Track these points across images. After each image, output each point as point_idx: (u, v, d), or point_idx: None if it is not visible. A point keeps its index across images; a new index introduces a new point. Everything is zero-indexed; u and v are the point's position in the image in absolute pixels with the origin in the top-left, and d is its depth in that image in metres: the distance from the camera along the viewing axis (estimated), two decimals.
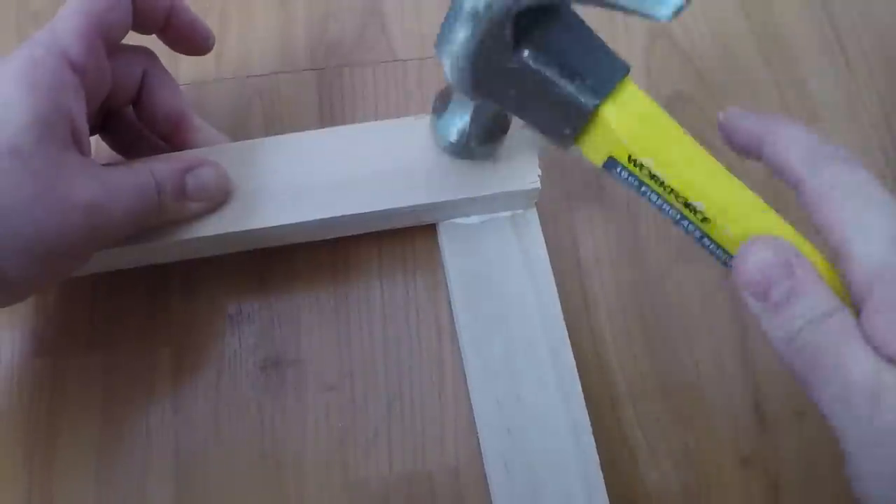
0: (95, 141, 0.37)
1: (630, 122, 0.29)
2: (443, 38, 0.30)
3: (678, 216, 0.29)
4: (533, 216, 0.38)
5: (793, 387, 0.38)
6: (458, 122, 0.35)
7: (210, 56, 0.38)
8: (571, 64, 0.29)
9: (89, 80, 0.32)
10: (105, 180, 0.31)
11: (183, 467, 0.36)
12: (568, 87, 0.29)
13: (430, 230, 0.39)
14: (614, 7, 0.27)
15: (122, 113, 0.38)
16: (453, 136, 0.35)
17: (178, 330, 0.38)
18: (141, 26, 0.35)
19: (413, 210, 0.37)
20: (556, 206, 0.41)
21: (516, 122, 0.36)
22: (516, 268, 0.37)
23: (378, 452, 0.36)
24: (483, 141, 0.35)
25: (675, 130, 0.29)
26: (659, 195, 0.29)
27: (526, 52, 0.29)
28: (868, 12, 0.46)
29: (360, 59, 0.44)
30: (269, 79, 0.43)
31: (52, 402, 0.36)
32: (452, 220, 0.38)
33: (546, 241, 0.38)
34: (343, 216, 0.36)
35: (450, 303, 0.38)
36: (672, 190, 0.29)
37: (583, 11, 0.29)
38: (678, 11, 0.27)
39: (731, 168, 0.29)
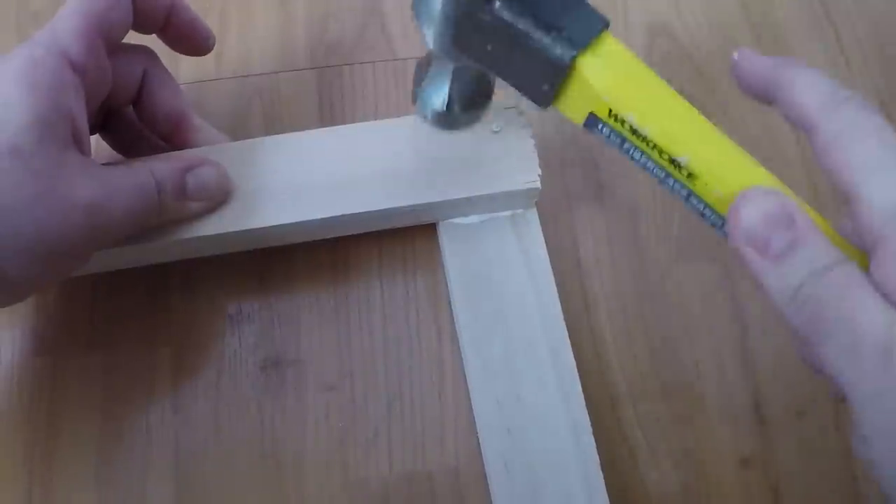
0: (95, 140, 0.37)
1: (609, 75, 0.28)
2: (419, 1, 0.29)
3: (663, 174, 0.28)
4: (533, 216, 0.38)
5: (793, 387, 0.38)
6: (441, 89, 0.34)
7: (210, 56, 0.38)
8: (547, 16, 0.28)
9: (89, 80, 0.32)
10: (105, 180, 0.31)
11: (183, 467, 0.36)
12: (543, 39, 0.28)
13: (430, 230, 0.39)
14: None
15: (122, 112, 0.38)
16: (437, 104, 0.34)
17: (178, 330, 0.38)
18: (141, 26, 0.35)
19: (413, 210, 0.37)
20: (556, 206, 0.41)
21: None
22: (516, 268, 0.37)
23: (378, 452, 0.36)
24: (466, 107, 0.34)
25: (656, 83, 0.28)
26: (643, 152, 0.28)
27: (498, 4, 0.28)
28: (868, 11, 0.46)
29: (360, 59, 0.44)
30: (269, 79, 0.43)
31: (52, 401, 0.36)
32: (452, 220, 0.38)
33: (546, 241, 0.38)
34: (343, 216, 0.36)
35: (450, 303, 0.38)
36: (655, 145, 0.27)
37: None
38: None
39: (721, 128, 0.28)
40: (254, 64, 0.44)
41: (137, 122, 0.37)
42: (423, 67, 0.35)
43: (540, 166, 0.37)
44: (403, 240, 0.39)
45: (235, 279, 0.39)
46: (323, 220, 0.36)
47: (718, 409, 0.38)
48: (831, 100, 0.25)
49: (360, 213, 0.36)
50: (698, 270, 0.40)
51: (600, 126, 0.29)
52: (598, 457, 0.34)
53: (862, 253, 0.24)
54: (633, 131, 0.28)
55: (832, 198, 0.42)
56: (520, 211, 0.38)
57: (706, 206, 0.28)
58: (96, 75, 0.32)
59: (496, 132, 0.37)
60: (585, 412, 0.34)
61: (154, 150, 0.37)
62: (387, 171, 0.37)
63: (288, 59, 0.44)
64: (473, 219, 0.38)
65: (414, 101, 0.35)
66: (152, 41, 0.36)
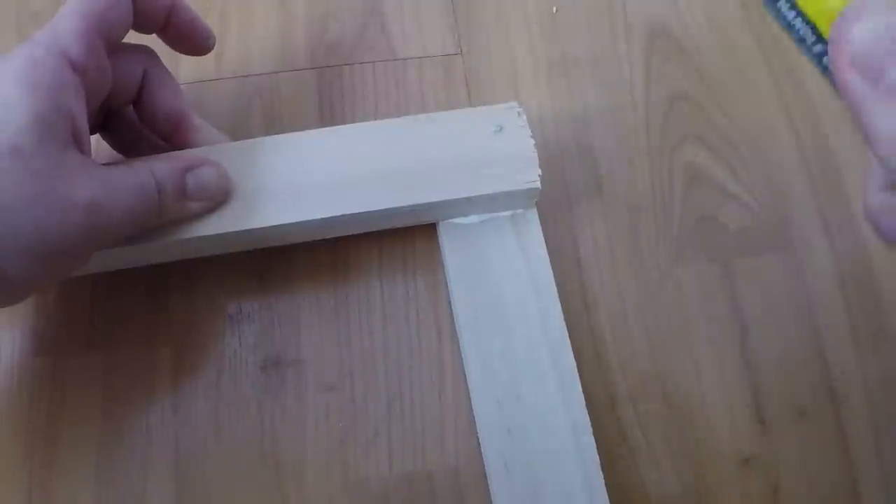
0: (95, 140, 0.37)
1: None
2: None
3: None
4: (533, 216, 0.38)
5: (793, 387, 0.38)
6: None
7: (210, 56, 0.38)
8: None
9: (90, 80, 0.32)
10: (105, 180, 0.31)
11: (183, 467, 0.36)
12: None
13: (430, 230, 0.39)
14: None
15: (122, 112, 0.38)
16: None
17: (178, 330, 0.38)
18: (141, 26, 0.35)
19: (413, 210, 0.37)
20: (556, 206, 0.41)
21: None
22: (516, 267, 0.37)
23: (378, 452, 0.36)
24: None
25: None
26: None
27: None
28: None
29: (360, 59, 0.44)
30: (269, 78, 0.43)
31: (52, 401, 0.36)
32: (452, 220, 0.38)
33: (546, 241, 0.38)
34: (343, 216, 0.36)
35: (450, 303, 0.38)
36: None
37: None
38: None
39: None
40: (254, 64, 0.44)
41: (137, 121, 0.37)
42: None
43: (540, 166, 0.37)
44: (403, 240, 0.39)
45: (235, 279, 0.39)
46: (323, 220, 0.36)
47: (718, 409, 0.38)
48: None
49: (360, 213, 0.36)
50: (698, 270, 0.40)
51: None
52: (598, 457, 0.34)
53: None
54: None
55: (830, 199, 0.42)
56: (520, 211, 0.38)
57: (798, 13, 0.24)
58: (96, 75, 0.32)
59: (496, 132, 0.37)
60: (585, 412, 0.34)
61: (154, 149, 0.37)
62: (387, 171, 0.37)
63: (288, 59, 0.44)
64: (473, 219, 0.38)
65: None
66: (152, 41, 0.36)
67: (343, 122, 0.42)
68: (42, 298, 0.38)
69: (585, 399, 0.35)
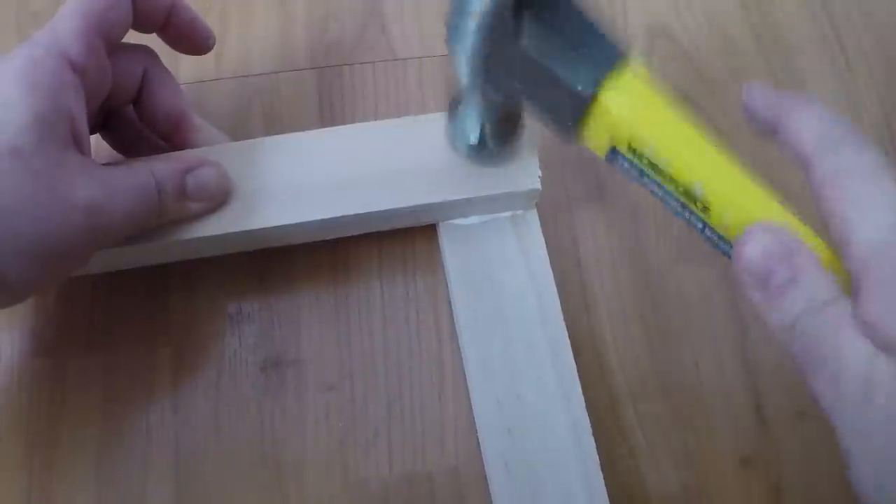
0: (95, 140, 0.37)
1: (625, 109, 0.29)
2: (451, 35, 0.30)
3: (679, 206, 0.29)
4: (533, 216, 0.38)
5: (793, 387, 0.38)
6: (474, 123, 0.35)
7: (210, 56, 0.38)
8: (569, 52, 0.29)
9: (89, 80, 0.32)
10: (105, 181, 0.31)
11: (183, 467, 0.36)
12: (564, 75, 0.29)
13: (430, 230, 0.39)
14: None
15: (122, 112, 0.38)
16: (472, 138, 0.35)
17: (178, 330, 0.38)
18: (141, 25, 0.35)
19: (413, 210, 0.37)
20: (556, 206, 0.41)
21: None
22: (516, 268, 0.37)
23: (378, 453, 0.36)
24: (499, 140, 0.36)
25: (673, 115, 0.29)
26: (659, 184, 0.29)
27: (525, 42, 0.29)
28: (868, 12, 0.46)
29: (360, 59, 0.44)
30: (269, 79, 0.43)
31: (52, 402, 0.36)
32: (452, 221, 0.38)
33: (546, 241, 0.38)
34: (343, 216, 0.36)
35: (450, 303, 0.38)
36: (671, 178, 0.28)
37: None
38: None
39: (739, 156, 0.29)
40: (254, 64, 0.44)
41: (137, 121, 0.37)
42: (455, 105, 0.36)
43: (540, 167, 0.37)
44: (403, 240, 0.39)
45: (235, 279, 0.39)
46: (323, 220, 0.36)
47: (718, 409, 0.38)
48: (825, 137, 0.26)
49: (360, 213, 0.36)
50: (698, 270, 0.40)
51: (620, 159, 0.30)
52: (598, 457, 0.34)
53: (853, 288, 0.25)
54: (651, 164, 0.29)
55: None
56: (520, 212, 0.38)
57: (719, 237, 0.29)
58: (96, 75, 0.32)
59: None
60: (585, 412, 0.34)
61: (154, 149, 0.37)
62: (387, 171, 0.37)
63: (288, 59, 0.44)
64: (473, 219, 0.38)
65: (448, 136, 0.36)
66: (152, 41, 0.36)
67: (343, 122, 0.42)
68: (42, 299, 0.38)
69: (585, 399, 0.35)
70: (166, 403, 0.37)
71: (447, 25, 0.31)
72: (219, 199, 0.35)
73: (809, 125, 0.27)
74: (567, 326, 0.36)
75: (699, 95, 0.44)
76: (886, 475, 0.24)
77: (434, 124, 0.38)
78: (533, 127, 0.38)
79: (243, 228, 0.35)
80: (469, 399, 0.36)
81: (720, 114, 0.43)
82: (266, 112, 0.42)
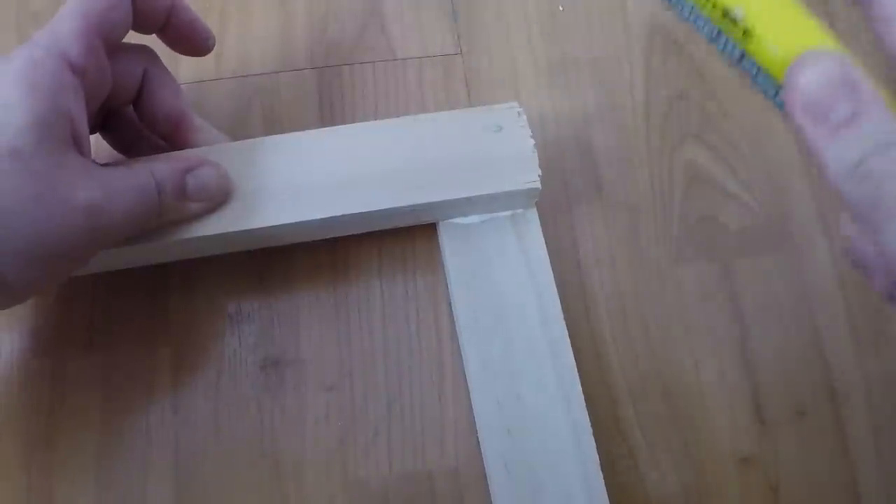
0: (96, 140, 0.37)
1: None
2: None
3: (715, 31, 0.25)
4: (533, 216, 0.38)
5: (793, 387, 0.38)
6: None
7: (210, 56, 0.38)
8: None
9: (89, 81, 0.32)
10: (105, 181, 0.31)
11: (183, 467, 0.36)
12: None
13: (430, 230, 0.39)
14: None
15: (122, 112, 0.38)
16: None
17: (178, 330, 0.38)
18: (141, 26, 0.35)
19: (413, 210, 0.37)
20: (556, 206, 0.41)
21: None
22: (516, 268, 0.37)
23: (378, 452, 0.36)
24: None
25: None
26: (694, 5, 0.25)
27: None
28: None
29: (360, 59, 0.44)
30: (269, 78, 0.43)
31: (52, 402, 0.36)
32: (452, 220, 0.38)
33: (546, 241, 0.38)
34: (343, 216, 0.36)
35: (450, 303, 0.38)
36: None
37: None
38: None
39: None
40: (254, 64, 0.44)
41: (137, 121, 0.37)
42: None
43: (540, 166, 0.37)
44: (403, 240, 0.39)
45: (235, 279, 0.39)
46: (323, 220, 0.36)
47: (718, 409, 0.38)
48: None
49: (360, 213, 0.36)
50: (698, 270, 0.40)
51: None
52: (598, 457, 0.34)
53: None
54: None
55: (830, 199, 0.42)
56: (520, 211, 0.38)
57: (760, 69, 0.25)
58: (96, 76, 0.32)
59: (496, 132, 0.37)
60: (585, 412, 0.34)
61: (154, 149, 0.37)
62: (387, 171, 0.37)
63: (288, 59, 0.44)
64: (473, 219, 0.38)
65: None
66: (152, 41, 0.36)
67: (343, 122, 0.42)
68: (41, 299, 0.38)
69: (585, 399, 0.35)
70: (166, 404, 0.37)
71: None
72: (219, 199, 0.35)
73: None
74: (567, 326, 0.36)
75: (699, 95, 0.44)
76: None
77: (434, 124, 0.38)
78: (533, 127, 0.38)
79: (243, 228, 0.35)
80: (469, 399, 0.36)
81: (721, 114, 0.43)
82: (266, 112, 0.42)
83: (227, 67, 0.43)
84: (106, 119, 0.37)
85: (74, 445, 0.36)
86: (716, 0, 0.25)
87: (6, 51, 0.31)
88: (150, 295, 0.38)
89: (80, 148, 0.31)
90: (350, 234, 0.38)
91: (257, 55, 0.44)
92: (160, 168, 0.33)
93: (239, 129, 0.42)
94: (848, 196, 0.22)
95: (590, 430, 0.34)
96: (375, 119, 0.41)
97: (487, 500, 0.34)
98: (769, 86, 0.25)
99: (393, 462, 0.36)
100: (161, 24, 0.35)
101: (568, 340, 0.36)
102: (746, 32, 0.24)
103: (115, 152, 0.38)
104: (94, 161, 0.32)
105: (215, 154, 0.36)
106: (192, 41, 0.37)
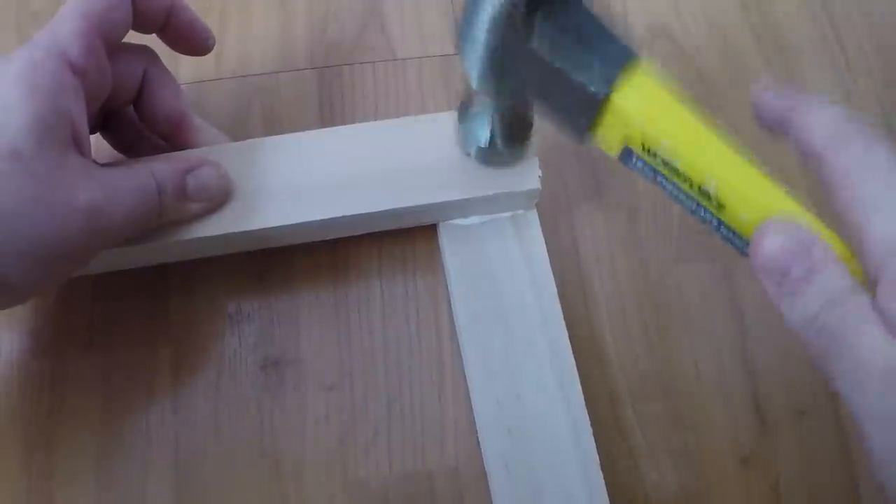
0: (96, 140, 0.37)
1: (638, 109, 0.29)
2: (463, 36, 0.31)
3: (694, 205, 0.29)
4: (533, 217, 0.38)
5: (793, 387, 0.38)
6: (484, 126, 0.35)
7: (210, 56, 0.38)
8: (580, 53, 0.29)
9: (90, 82, 0.32)
10: (106, 182, 0.31)
11: (183, 467, 0.36)
12: (577, 76, 0.29)
13: (430, 230, 0.39)
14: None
15: (122, 112, 0.38)
16: (481, 140, 0.35)
17: (178, 330, 0.38)
18: (141, 26, 0.35)
19: (413, 210, 0.37)
20: (556, 207, 0.41)
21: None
22: (516, 268, 0.37)
23: (378, 452, 0.36)
24: (509, 142, 0.36)
25: (686, 114, 0.29)
26: (674, 183, 0.29)
27: (536, 43, 0.29)
28: (868, 12, 0.46)
29: (360, 59, 0.44)
30: (269, 78, 0.43)
31: (52, 402, 0.36)
32: (452, 221, 0.38)
33: (546, 242, 0.38)
34: (343, 216, 0.36)
35: (449, 303, 0.38)
36: (686, 177, 0.28)
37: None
38: None
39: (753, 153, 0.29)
40: (254, 64, 0.44)
41: (138, 121, 0.37)
42: (466, 106, 0.36)
43: (540, 167, 0.37)
44: (403, 240, 0.39)
45: (235, 279, 0.39)
46: (323, 220, 0.36)
47: (718, 409, 0.38)
48: (836, 133, 0.26)
49: (360, 213, 0.36)
50: (698, 270, 0.40)
51: (634, 159, 0.30)
52: (598, 457, 0.34)
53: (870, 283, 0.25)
54: (665, 163, 0.29)
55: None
56: (520, 211, 0.38)
57: (735, 234, 0.29)
58: (96, 77, 0.32)
59: None
60: (585, 412, 0.34)
61: (155, 149, 0.37)
62: (387, 171, 0.37)
63: (288, 59, 0.44)
64: (474, 219, 0.38)
65: (458, 139, 0.37)
66: (152, 41, 0.36)
67: (343, 122, 0.42)
68: (41, 299, 0.38)
69: (585, 399, 0.35)
70: (166, 404, 0.37)
71: (458, 26, 0.31)
72: (219, 199, 0.35)
73: (820, 120, 0.27)
74: (567, 326, 0.36)
75: (699, 95, 0.43)
76: None
77: (434, 124, 0.38)
78: (534, 128, 0.38)
79: (243, 228, 0.35)
80: (469, 399, 0.36)
81: (720, 114, 0.43)
82: (266, 112, 0.42)
83: (227, 67, 0.43)
84: (106, 119, 0.37)
85: (74, 446, 0.36)
86: (691, 181, 0.28)
87: (6, 51, 0.31)
88: (150, 295, 0.38)
89: (81, 148, 0.31)
90: (350, 234, 0.38)
91: (257, 55, 0.44)
92: (160, 168, 0.33)
93: (239, 129, 0.42)
94: (807, 345, 0.25)
95: (590, 429, 0.34)
96: (375, 119, 0.41)
97: (487, 500, 0.34)
98: (743, 245, 0.28)
99: (393, 462, 0.36)
100: (161, 24, 0.35)
101: (568, 340, 0.36)
102: (720, 206, 0.28)
103: (115, 152, 0.39)
104: (94, 161, 0.32)
105: (215, 154, 0.36)
106: (192, 41, 0.37)
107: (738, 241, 0.29)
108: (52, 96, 0.30)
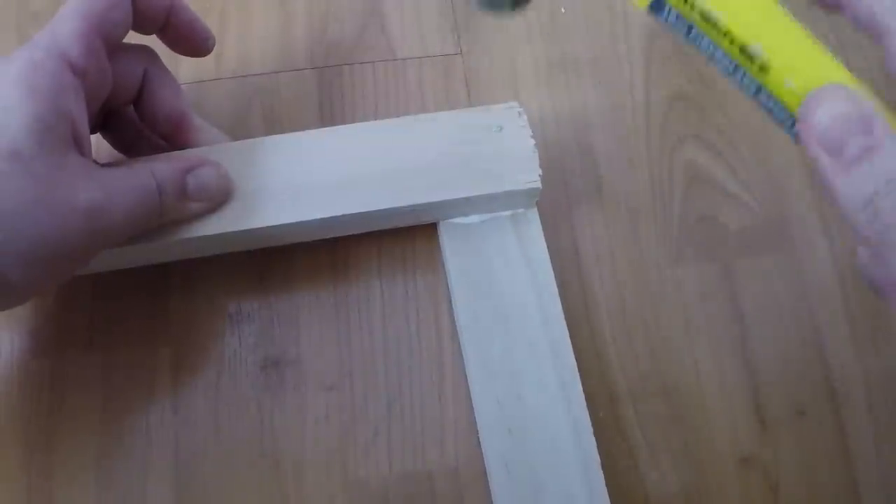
0: (96, 140, 0.37)
1: None
2: None
3: (732, 66, 0.26)
4: (533, 216, 0.38)
5: (793, 387, 0.38)
6: None
7: (210, 56, 0.38)
8: None
9: (90, 82, 0.32)
10: (106, 182, 0.31)
11: (183, 467, 0.36)
12: None
13: (430, 230, 0.39)
14: None
15: (122, 112, 0.38)
16: None
17: (178, 330, 0.38)
18: (141, 26, 0.35)
19: (413, 210, 0.37)
20: (556, 206, 0.41)
21: None
22: (517, 267, 0.37)
23: (378, 452, 0.36)
24: None
25: None
26: (711, 40, 0.27)
27: None
28: None
29: (360, 59, 0.44)
30: (269, 78, 0.43)
31: (52, 402, 0.36)
32: (453, 220, 0.38)
33: (546, 241, 0.38)
34: (343, 216, 0.36)
35: (450, 303, 0.38)
36: (726, 32, 0.26)
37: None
38: None
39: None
40: (254, 64, 0.44)
41: (138, 121, 0.37)
42: None
43: (540, 166, 0.37)
44: (403, 240, 0.39)
45: (235, 279, 0.39)
46: (323, 220, 0.36)
47: (718, 409, 0.38)
48: None
49: (360, 213, 0.36)
50: (698, 270, 0.40)
51: (666, 11, 0.27)
52: (598, 456, 0.34)
53: None
54: (704, 16, 0.26)
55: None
56: (520, 211, 0.38)
57: (776, 101, 0.26)
58: (97, 77, 0.32)
59: (496, 132, 0.37)
60: (586, 412, 0.34)
61: (155, 149, 0.37)
62: (387, 171, 0.37)
63: (288, 59, 0.44)
64: (474, 218, 0.38)
65: None
66: (152, 41, 0.36)
67: (343, 122, 0.42)
68: (41, 300, 0.38)
69: (585, 399, 0.35)
70: (166, 403, 0.37)
71: None
72: (219, 198, 0.35)
73: None
74: (567, 326, 0.36)
75: (699, 95, 0.44)
76: None
77: (434, 124, 0.38)
78: (533, 127, 0.38)
79: (243, 228, 0.35)
80: (469, 399, 0.36)
81: (720, 114, 0.43)
82: (266, 112, 0.42)
83: (227, 67, 0.43)
84: (106, 119, 0.37)
85: (74, 446, 0.36)
86: (733, 36, 0.25)
87: (6, 51, 0.31)
88: (150, 295, 0.38)
89: (81, 149, 0.31)
90: (350, 234, 0.38)
91: (257, 55, 0.44)
92: (161, 168, 0.33)
93: (239, 129, 0.42)
94: (860, 228, 0.23)
95: (590, 429, 0.34)
96: (375, 119, 0.41)
97: (487, 500, 0.34)
98: (785, 117, 0.26)
99: (393, 462, 0.36)
100: (161, 24, 0.35)
101: (569, 340, 0.36)
102: (763, 67, 0.25)
103: (115, 152, 0.39)
104: (94, 161, 0.32)
105: (215, 154, 0.36)
106: (192, 41, 0.37)
107: (778, 112, 0.26)
108: (52, 96, 0.30)
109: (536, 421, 0.34)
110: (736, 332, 0.39)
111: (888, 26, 0.24)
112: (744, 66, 0.26)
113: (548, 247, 0.38)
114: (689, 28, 0.27)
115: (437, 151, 0.37)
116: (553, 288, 0.37)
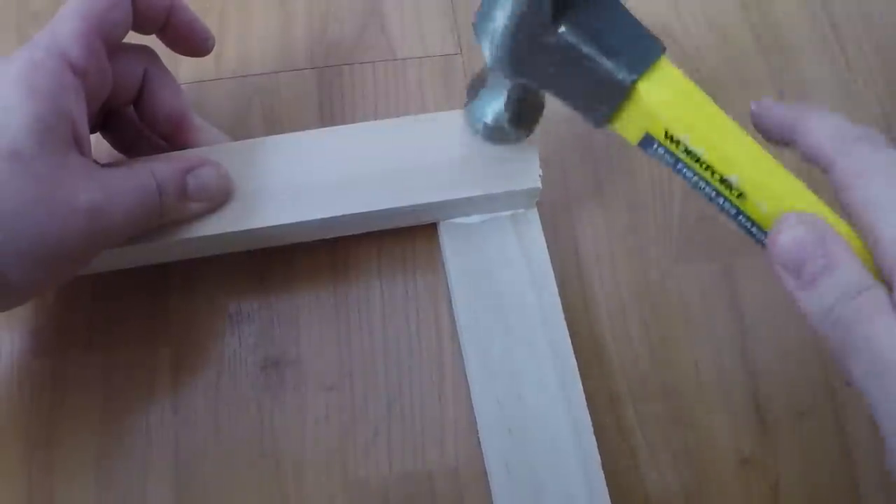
0: (96, 140, 0.37)
1: (666, 99, 0.29)
2: (482, 17, 0.31)
3: (713, 193, 0.30)
4: (533, 216, 0.38)
5: (793, 387, 0.38)
6: (494, 104, 0.35)
7: (210, 56, 0.38)
8: (608, 41, 0.29)
9: (90, 82, 0.32)
10: (106, 182, 0.31)
11: (183, 467, 0.36)
12: (605, 63, 0.29)
13: (430, 230, 0.39)
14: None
15: (122, 112, 0.38)
16: (488, 117, 0.35)
17: (178, 330, 0.38)
18: (140, 26, 0.35)
19: (413, 210, 0.37)
20: (556, 206, 0.41)
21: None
22: (517, 267, 0.37)
23: (378, 452, 0.36)
24: (518, 123, 0.35)
25: (710, 107, 0.30)
26: (695, 172, 0.30)
27: (563, 28, 0.29)
28: (868, 12, 0.46)
29: (360, 59, 0.44)
30: (269, 78, 0.43)
31: (52, 402, 0.36)
32: (453, 220, 0.38)
33: (546, 241, 0.38)
34: (343, 216, 0.36)
35: (450, 303, 0.38)
36: (708, 166, 0.29)
37: None
38: None
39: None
40: (254, 64, 0.44)
41: (138, 121, 0.37)
42: (479, 81, 0.36)
43: (540, 166, 0.37)
44: (403, 240, 0.39)
45: (235, 279, 0.39)
46: (323, 220, 0.36)
47: (718, 410, 0.38)
48: (843, 136, 0.27)
49: (360, 213, 0.36)
50: (698, 270, 0.40)
51: (655, 146, 0.30)
52: (598, 456, 0.34)
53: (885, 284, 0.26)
54: (687, 151, 0.29)
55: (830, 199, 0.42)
56: (520, 210, 0.38)
57: (753, 224, 0.29)
58: (97, 77, 0.32)
59: None
60: (586, 412, 0.34)
61: (155, 149, 0.37)
62: (387, 171, 0.37)
63: (288, 59, 0.44)
64: (474, 218, 0.38)
65: (466, 113, 0.37)
66: (152, 41, 0.36)
67: (343, 122, 0.42)
68: (41, 300, 0.38)
69: (585, 399, 0.35)
70: (166, 403, 0.37)
71: (479, 12, 0.31)
72: (219, 199, 0.35)
73: (826, 125, 0.28)
74: (567, 326, 0.36)
75: None
76: None
77: (434, 124, 0.38)
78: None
79: (243, 228, 0.35)
80: (469, 399, 0.36)
81: None
82: (266, 112, 0.43)
83: (227, 67, 0.43)
84: (106, 119, 0.37)
85: (75, 445, 0.36)
86: (714, 170, 0.29)
87: (6, 51, 0.31)
88: (150, 295, 0.38)
89: (81, 149, 0.31)
90: (350, 234, 0.38)
91: (257, 55, 0.44)
92: (161, 168, 0.33)
93: (239, 129, 0.42)
94: (823, 337, 0.26)
95: (591, 429, 0.34)
96: (375, 119, 0.41)
97: (488, 500, 0.34)
98: (762, 237, 0.29)
99: (393, 462, 0.36)
100: (161, 24, 0.35)
101: (569, 340, 0.36)
102: (740, 195, 0.29)
103: (115, 152, 0.39)
104: (94, 161, 0.32)
105: (215, 154, 0.36)
106: (192, 41, 0.37)
107: (756, 232, 0.29)
108: (52, 97, 0.30)
109: (536, 421, 0.34)
110: (736, 332, 0.39)
111: (832, 160, 0.27)
112: (724, 194, 0.29)
113: (548, 247, 0.38)
114: (676, 160, 0.30)
115: (438, 151, 0.37)
116: (553, 288, 0.37)
